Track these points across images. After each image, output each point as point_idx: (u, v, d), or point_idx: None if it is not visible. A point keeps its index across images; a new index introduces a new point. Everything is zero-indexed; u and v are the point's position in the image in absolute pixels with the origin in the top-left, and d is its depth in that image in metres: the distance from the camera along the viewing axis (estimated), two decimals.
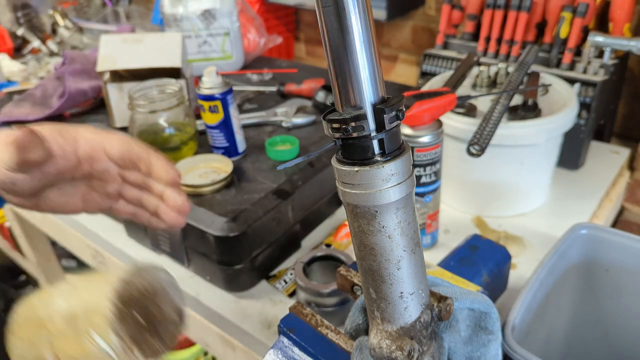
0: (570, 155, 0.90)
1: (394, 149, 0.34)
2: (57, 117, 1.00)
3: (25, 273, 2.05)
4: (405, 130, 0.68)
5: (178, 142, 0.83)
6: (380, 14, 1.16)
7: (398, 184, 0.34)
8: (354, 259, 0.40)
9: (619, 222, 0.98)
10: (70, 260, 1.67)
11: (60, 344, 0.39)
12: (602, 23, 0.95)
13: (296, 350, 0.46)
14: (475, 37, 1.01)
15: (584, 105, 0.87)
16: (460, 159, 0.80)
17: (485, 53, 0.98)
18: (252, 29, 1.29)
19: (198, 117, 0.87)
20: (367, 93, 0.33)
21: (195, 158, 0.80)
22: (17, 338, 0.41)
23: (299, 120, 0.92)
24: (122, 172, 0.51)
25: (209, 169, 0.80)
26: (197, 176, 0.78)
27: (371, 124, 0.33)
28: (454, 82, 0.82)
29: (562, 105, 0.79)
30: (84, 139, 0.48)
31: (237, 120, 0.82)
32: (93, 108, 1.04)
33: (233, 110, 0.81)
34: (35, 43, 1.50)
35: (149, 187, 0.51)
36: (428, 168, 0.70)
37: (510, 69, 0.86)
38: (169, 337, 0.43)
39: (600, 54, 0.89)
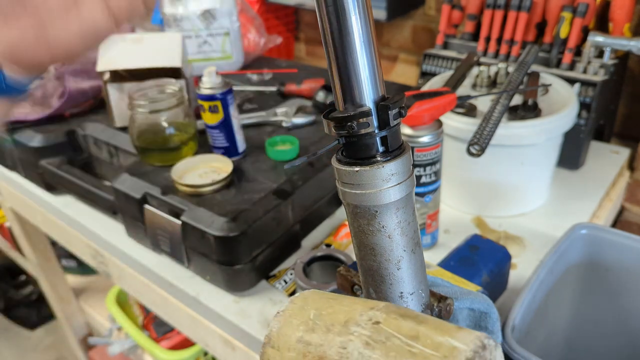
0: (570, 155, 0.90)
1: (395, 147, 0.34)
2: (57, 117, 1.00)
3: (25, 273, 2.05)
4: (405, 130, 0.68)
5: (178, 142, 0.83)
6: (380, 14, 1.16)
7: (398, 184, 0.34)
8: (354, 259, 0.40)
9: (619, 222, 0.98)
10: (70, 260, 1.67)
11: None
12: (602, 23, 0.95)
13: None
14: (475, 37, 1.01)
15: (584, 105, 0.87)
16: (460, 159, 0.80)
17: (485, 53, 0.98)
18: (252, 29, 1.29)
19: (198, 117, 0.87)
20: (368, 92, 0.33)
21: (195, 158, 0.80)
22: (276, 351, 0.32)
23: (299, 120, 0.92)
24: None
25: (209, 169, 0.80)
26: (197, 176, 0.78)
27: (375, 121, 0.33)
28: (454, 82, 0.82)
29: (562, 105, 0.79)
30: None
31: (237, 120, 0.82)
32: (93, 108, 1.04)
33: (233, 110, 0.81)
34: None
35: None
36: (428, 168, 0.70)
37: (510, 69, 0.86)
38: None
39: (600, 54, 0.89)
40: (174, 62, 0.94)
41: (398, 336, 0.30)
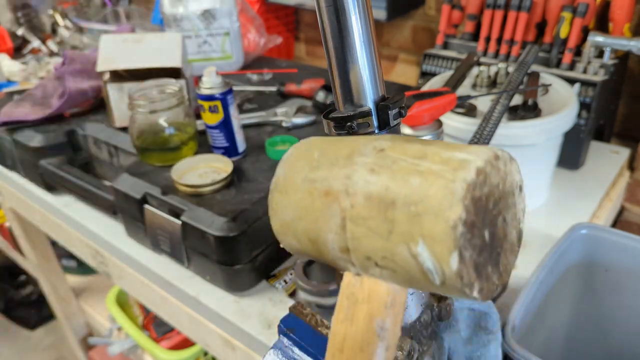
0: (570, 155, 0.90)
1: None
2: (57, 117, 1.00)
3: (25, 273, 2.05)
4: (405, 130, 0.68)
5: (178, 142, 0.83)
6: (380, 14, 1.16)
7: None
8: None
9: (619, 222, 0.98)
10: (70, 260, 1.67)
11: (356, 230, 0.28)
12: (602, 23, 0.95)
13: (296, 350, 0.46)
14: (475, 37, 1.01)
15: (584, 105, 0.87)
16: None
17: (485, 53, 0.98)
18: (252, 29, 1.29)
19: (198, 117, 0.87)
20: (368, 92, 0.33)
21: (195, 158, 0.80)
22: (284, 195, 0.31)
23: (299, 120, 0.92)
24: None
25: (209, 169, 0.80)
26: (197, 176, 0.78)
27: (375, 121, 0.33)
28: (454, 82, 0.82)
29: (562, 105, 0.79)
30: None
31: (237, 120, 0.82)
32: (93, 108, 1.04)
33: (233, 110, 0.81)
34: (35, 43, 1.50)
35: None
36: None
37: (510, 69, 0.86)
38: (506, 269, 0.29)
39: (600, 54, 0.89)
40: (174, 62, 0.94)
41: (404, 158, 0.28)
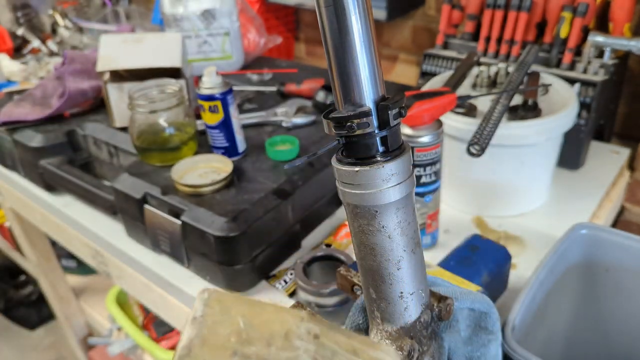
0: (570, 155, 0.90)
1: (395, 148, 0.34)
2: (57, 117, 1.00)
3: (25, 273, 2.05)
4: (405, 130, 0.68)
5: (178, 142, 0.83)
6: (380, 14, 1.16)
7: (398, 184, 0.34)
8: (354, 259, 0.40)
9: (619, 222, 0.98)
10: (70, 260, 1.67)
11: None
12: (602, 23, 0.95)
13: None
14: (475, 37, 1.01)
15: (584, 105, 0.87)
16: (460, 159, 0.80)
17: (485, 53, 0.98)
18: (252, 29, 1.29)
19: (198, 117, 0.87)
20: (368, 92, 0.33)
21: (195, 158, 0.80)
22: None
23: (299, 120, 0.92)
24: None
25: (209, 169, 0.80)
26: (197, 176, 0.78)
27: (375, 121, 0.33)
28: (454, 82, 0.82)
29: (562, 105, 0.79)
30: None
31: (237, 120, 0.82)
32: (93, 108, 1.04)
33: (233, 110, 0.81)
34: (35, 43, 1.50)
35: None
36: (428, 168, 0.70)
37: (510, 69, 0.86)
38: None
39: (600, 54, 0.89)
40: (174, 62, 0.94)
41: (341, 352, 0.29)
